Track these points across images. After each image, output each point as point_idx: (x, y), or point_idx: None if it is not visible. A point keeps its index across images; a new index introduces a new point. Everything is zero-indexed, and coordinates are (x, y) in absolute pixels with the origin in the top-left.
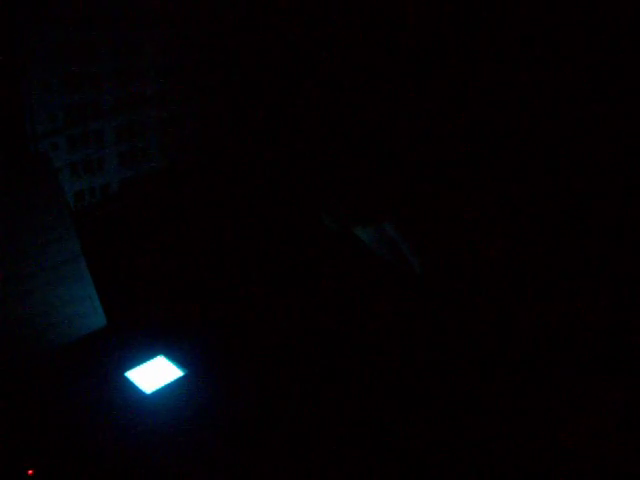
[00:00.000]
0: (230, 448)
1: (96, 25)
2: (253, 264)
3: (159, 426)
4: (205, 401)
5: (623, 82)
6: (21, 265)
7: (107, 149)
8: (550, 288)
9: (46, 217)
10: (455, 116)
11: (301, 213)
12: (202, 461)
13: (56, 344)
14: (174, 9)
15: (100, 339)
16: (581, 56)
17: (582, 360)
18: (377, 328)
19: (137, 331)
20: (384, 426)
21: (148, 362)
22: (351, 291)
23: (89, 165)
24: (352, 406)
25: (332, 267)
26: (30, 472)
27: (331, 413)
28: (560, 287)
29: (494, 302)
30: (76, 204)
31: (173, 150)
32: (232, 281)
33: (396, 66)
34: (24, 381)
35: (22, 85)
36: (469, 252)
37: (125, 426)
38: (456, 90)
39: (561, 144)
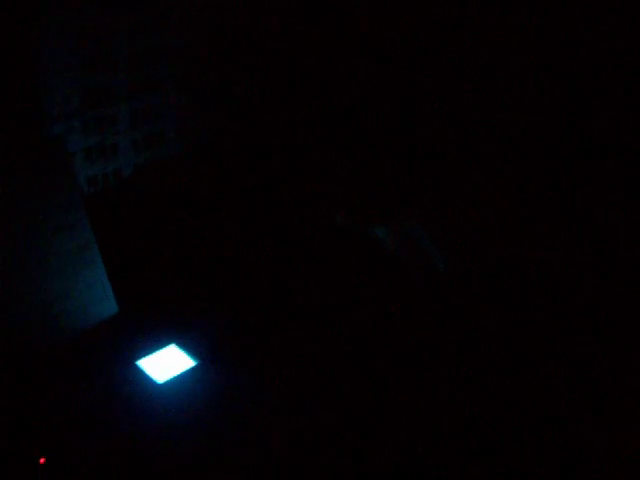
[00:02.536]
0: (243, 440)
1: (114, 5)
2: (267, 259)
3: (172, 416)
4: (218, 392)
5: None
6: (32, 251)
7: (122, 134)
8: (581, 288)
9: (58, 203)
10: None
11: (314, 210)
12: (215, 452)
13: (66, 331)
14: None
15: (111, 326)
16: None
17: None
18: (397, 329)
19: (148, 319)
20: (403, 425)
21: (160, 351)
22: (369, 291)
23: (103, 150)
24: (369, 402)
25: (348, 267)
26: (41, 460)
27: (347, 408)
28: (588, 286)
29: (523, 304)
30: (89, 189)
31: (189, 136)
32: (245, 272)
33: (412, 60)
34: (34, 369)
35: (36, 66)
36: (499, 251)
37: (138, 416)
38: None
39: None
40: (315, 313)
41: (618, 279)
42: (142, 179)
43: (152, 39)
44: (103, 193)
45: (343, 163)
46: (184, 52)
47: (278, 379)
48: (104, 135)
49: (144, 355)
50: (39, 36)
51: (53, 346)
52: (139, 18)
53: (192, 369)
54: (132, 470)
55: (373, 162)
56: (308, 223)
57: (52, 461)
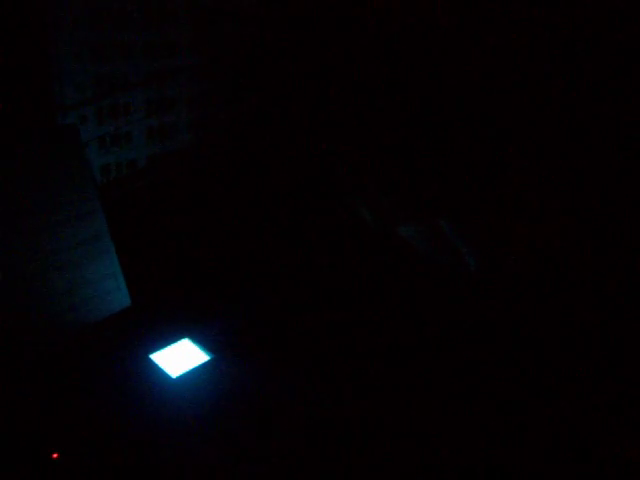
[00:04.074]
0: (257, 436)
1: None
2: (284, 254)
3: (185, 412)
4: (232, 388)
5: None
6: (45, 242)
7: (136, 123)
8: (620, 296)
9: (72, 192)
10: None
11: (339, 208)
12: (228, 448)
13: (79, 324)
14: None
15: (124, 319)
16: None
17: None
18: (426, 334)
19: (162, 312)
20: (430, 424)
21: (173, 345)
22: (397, 295)
23: (117, 139)
24: (381, 398)
25: (375, 269)
26: (55, 455)
27: (364, 405)
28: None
29: (560, 308)
30: (102, 179)
31: (203, 127)
32: (261, 265)
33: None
34: (46, 362)
35: (50, 54)
36: (534, 252)
37: (152, 410)
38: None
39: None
40: (334, 310)
41: None
42: (155, 169)
43: (164, 31)
44: (117, 182)
45: (372, 161)
46: (195, 46)
47: (291, 374)
48: (118, 124)
49: (157, 349)
50: (53, 23)
51: (65, 339)
52: (152, 9)
53: (206, 363)
54: (145, 464)
55: (402, 161)
56: (335, 220)
57: (65, 456)
